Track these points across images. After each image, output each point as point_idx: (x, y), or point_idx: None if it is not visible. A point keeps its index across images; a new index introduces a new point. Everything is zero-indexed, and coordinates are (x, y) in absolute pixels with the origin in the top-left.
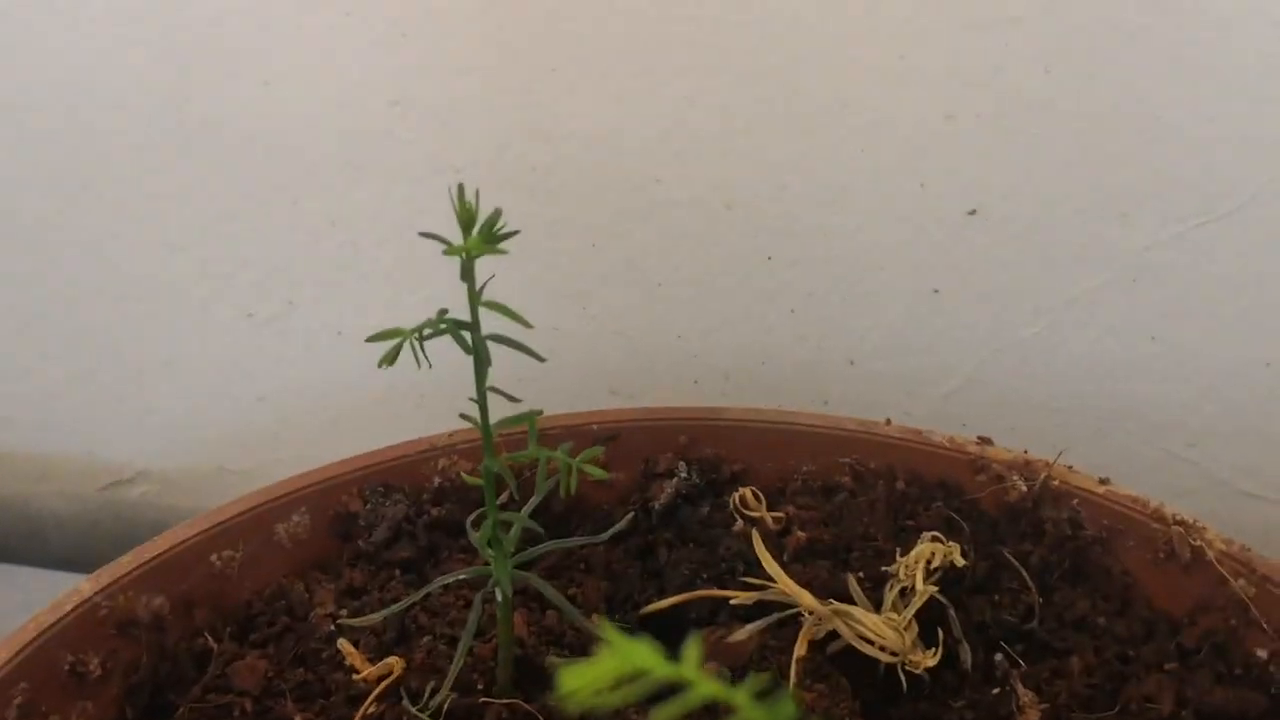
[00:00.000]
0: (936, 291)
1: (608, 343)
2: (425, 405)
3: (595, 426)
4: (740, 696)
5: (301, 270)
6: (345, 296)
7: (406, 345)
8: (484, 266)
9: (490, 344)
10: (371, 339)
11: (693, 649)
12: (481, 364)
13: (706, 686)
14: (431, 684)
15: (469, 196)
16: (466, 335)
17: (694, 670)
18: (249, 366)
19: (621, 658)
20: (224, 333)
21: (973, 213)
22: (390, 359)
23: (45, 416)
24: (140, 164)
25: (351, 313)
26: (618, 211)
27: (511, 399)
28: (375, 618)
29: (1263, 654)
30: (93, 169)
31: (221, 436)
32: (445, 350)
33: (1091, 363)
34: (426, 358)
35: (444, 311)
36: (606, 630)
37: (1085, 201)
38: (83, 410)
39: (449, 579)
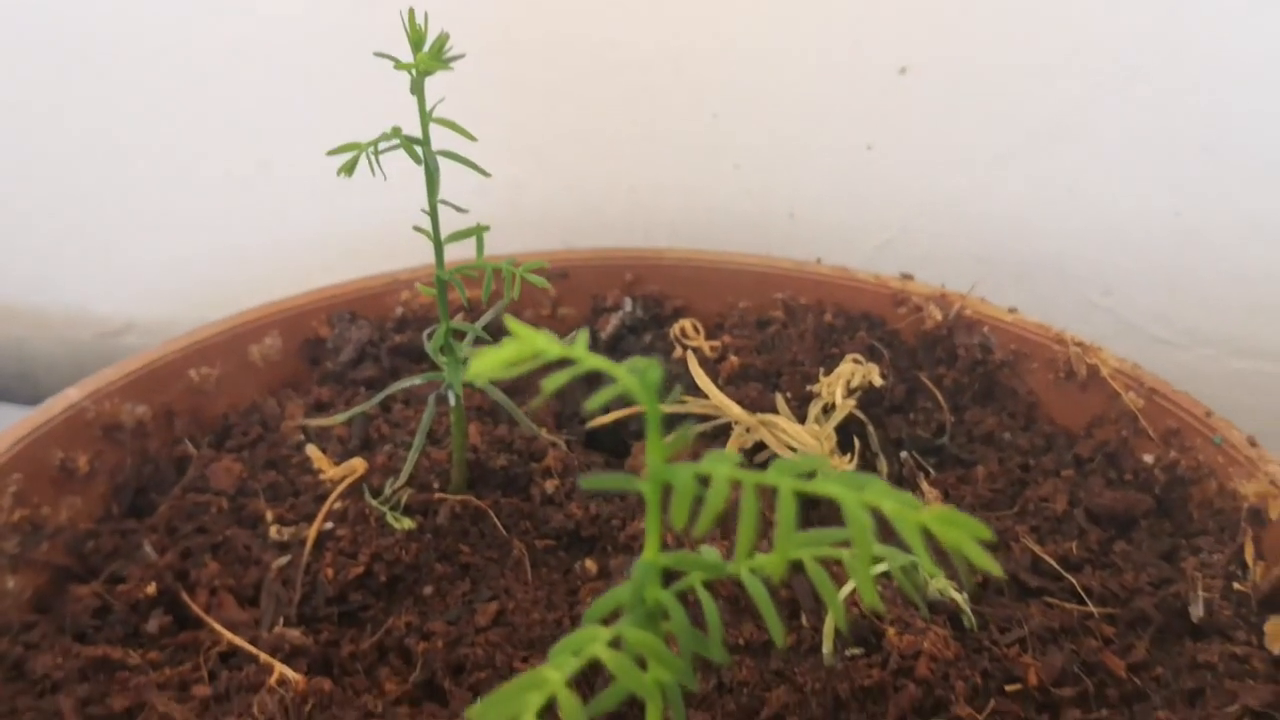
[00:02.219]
0: (870, 148)
1: (563, 195)
2: (395, 259)
3: (547, 265)
4: (618, 369)
5: (276, 130)
6: (318, 154)
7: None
8: (444, 110)
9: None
10: (331, 152)
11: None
12: (432, 176)
13: (590, 361)
14: (390, 480)
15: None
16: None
17: (581, 350)
18: (228, 221)
19: (522, 343)
20: (205, 191)
21: (903, 72)
22: (349, 169)
23: (41, 269)
24: (126, 34)
25: (323, 170)
26: (574, 73)
27: (459, 210)
28: (339, 418)
29: (1150, 459)
30: (84, 40)
31: (204, 287)
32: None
33: (1014, 215)
34: (382, 170)
35: (398, 128)
36: (511, 323)
37: (1010, 62)
38: (75, 264)
39: (407, 383)
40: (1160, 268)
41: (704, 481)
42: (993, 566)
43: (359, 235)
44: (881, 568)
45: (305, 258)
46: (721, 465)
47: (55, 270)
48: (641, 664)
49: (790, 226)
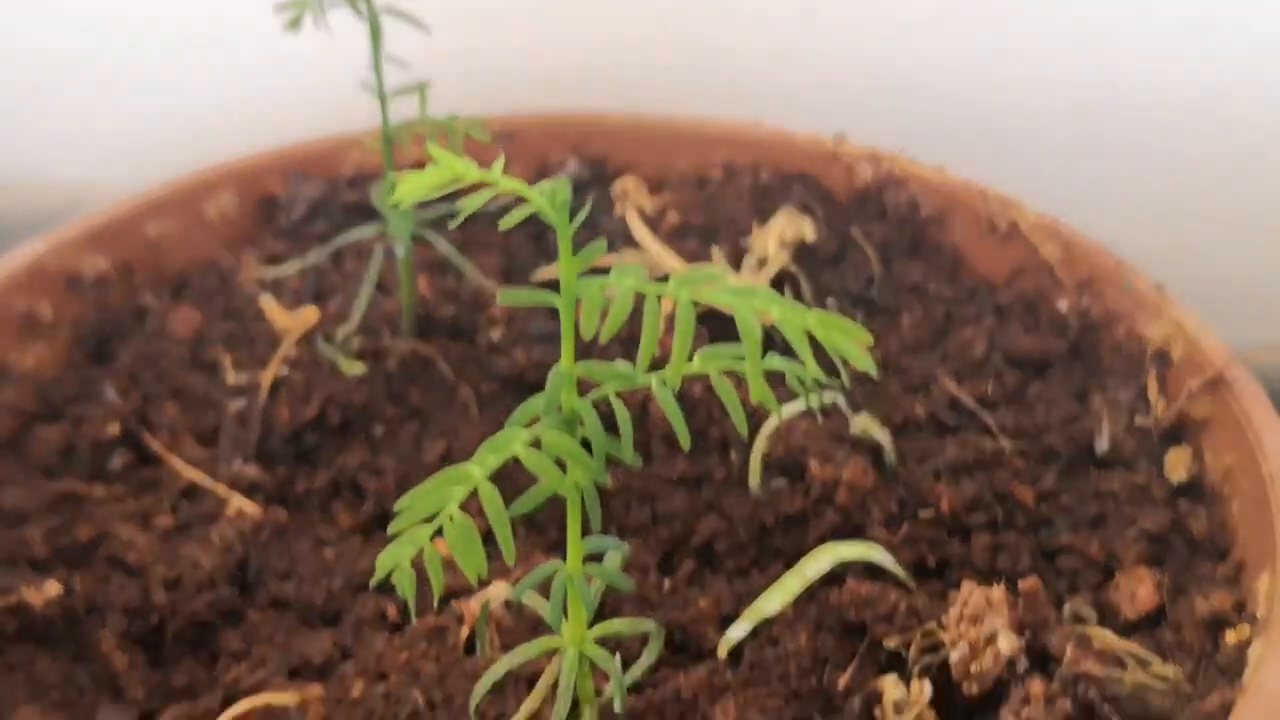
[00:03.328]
0: (807, 12)
1: (510, 60)
2: (348, 120)
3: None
4: (530, 191)
5: None
6: (270, 16)
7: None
8: None
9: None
10: (279, 7)
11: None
12: (375, 29)
13: (507, 184)
14: (341, 327)
15: None
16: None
17: (497, 174)
18: (185, 83)
19: (443, 168)
20: (162, 54)
21: None
22: (294, 24)
23: (4, 136)
24: None
25: (276, 32)
26: None
27: (403, 64)
28: (291, 267)
29: (1064, 307)
30: None
31: (164, 151)
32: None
33: (946, 75)
34: (327, 24)
35: None
36: (433, 149)
37: None
38: (35, 130)
39: (356, 235)
40: (1098, 129)
41: (610, 294)
42: (868, 364)
43: (313, 96)
44: (798, 405)
45: (261, 118)
46: (626, 279)
47: (15, 137)
48: (561, 467)
49: (730, 89)
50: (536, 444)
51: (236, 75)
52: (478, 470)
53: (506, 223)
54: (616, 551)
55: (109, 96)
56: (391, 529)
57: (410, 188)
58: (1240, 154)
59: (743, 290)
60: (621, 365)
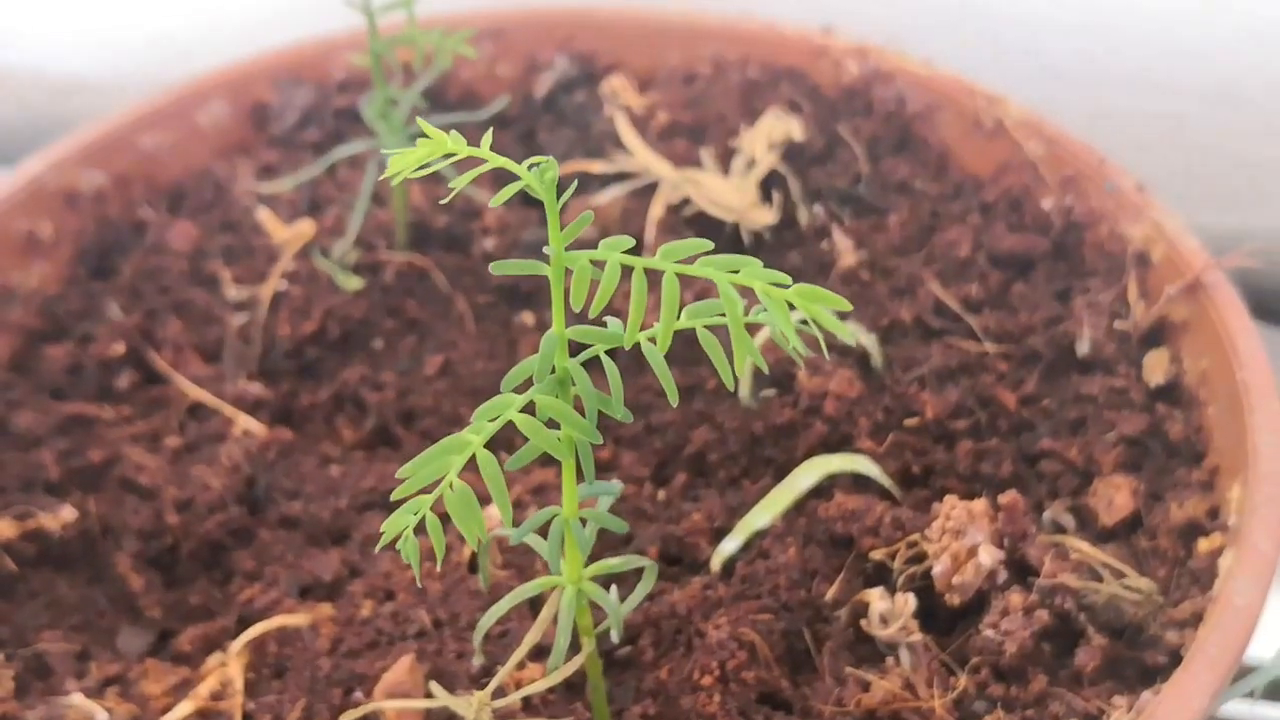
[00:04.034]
0: None
1: None
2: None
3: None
4: (519, 168)
5: None
6: None
7: None
8: None
9: None
10: None
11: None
12: None
13: (495, 160)
14: (338, 241)
15: None
16: None
17: (485, 151)
18: None
19: (433, 144)
20: None
21: None
22: None
23: None
24: None
25: None
26: None
27: None
28: (286, 183)
29: (1048, 205)
30: None
31: (154, 49)
32: None
33: None
34: None
35: None
36: (422, 125)
37: None
38: (29, 26)
39: (349, 150)
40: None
41: (599, 265)
42: (845, 333)
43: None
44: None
45: (247, 13)
46: (614, 252)
47: (3, 34)
48: (555, 426)
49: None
50: (530, 408)
51: None
52: (475, 439)
53: (496, 201)
54: (609, 495)
55: None
56: (395, 495)
57: (402, 164)
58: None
59: (726, 263)
60: (612, 325)
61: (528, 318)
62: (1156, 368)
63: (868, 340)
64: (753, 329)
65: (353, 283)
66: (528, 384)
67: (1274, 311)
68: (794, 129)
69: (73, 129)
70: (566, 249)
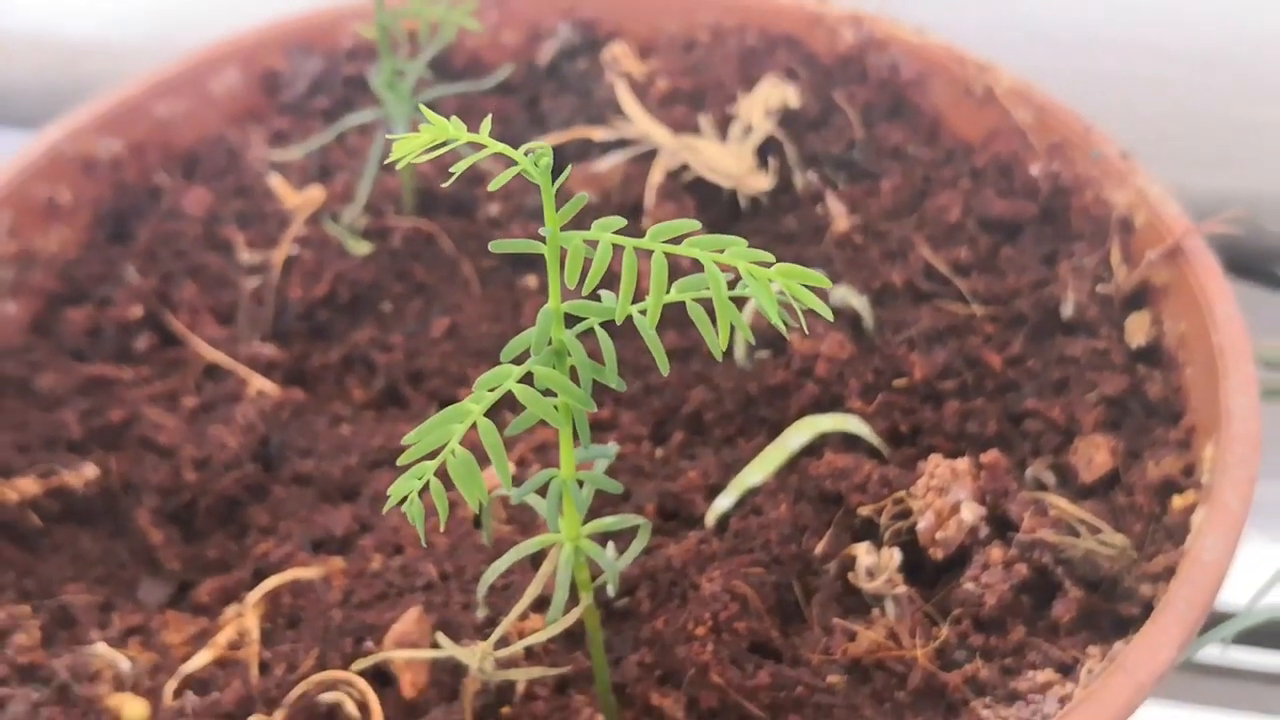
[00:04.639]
0: None
1: None
2: None
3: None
4: (516, 154)
5: None
6: None
7: None
8: None
9: None
10: None
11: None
12: None
13: (494, 146)
14: (347, 207)
15: None
16: None
17: (485, 136)
18: None
19: (435, 129)
20: None
21: None
22: None
23: None
24: None
25: None
26: None
27: None
28: (297, 150)
29: (1036, 171)
30: None
31: (166, 12)
32: None
33: None
34: None
35: None
36: (425, 111)
37: None
38: None
39: (357, 119)
40: None
41: (593, 245)
42: (824, 310)
43: None
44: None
45: None
46: (606, 233)
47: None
48: (552, 395)
49: None
50: (529, 378)
51: None
52: (475, 408)
53: (495, 185)
54: (605, 459)
55: None
56: (401, 461)
57: (405, 149)
58: None
59: (712, 243)
60: (607, 298)
61: (531, 281)
62: (1138, 330)
63: (859, 303)
64: (740, 300)
65: (362, 247)
66: (527, 354)
67: (1254, 270)
68: (790, 96)
69: (86, 92)
70: (562, 228)
